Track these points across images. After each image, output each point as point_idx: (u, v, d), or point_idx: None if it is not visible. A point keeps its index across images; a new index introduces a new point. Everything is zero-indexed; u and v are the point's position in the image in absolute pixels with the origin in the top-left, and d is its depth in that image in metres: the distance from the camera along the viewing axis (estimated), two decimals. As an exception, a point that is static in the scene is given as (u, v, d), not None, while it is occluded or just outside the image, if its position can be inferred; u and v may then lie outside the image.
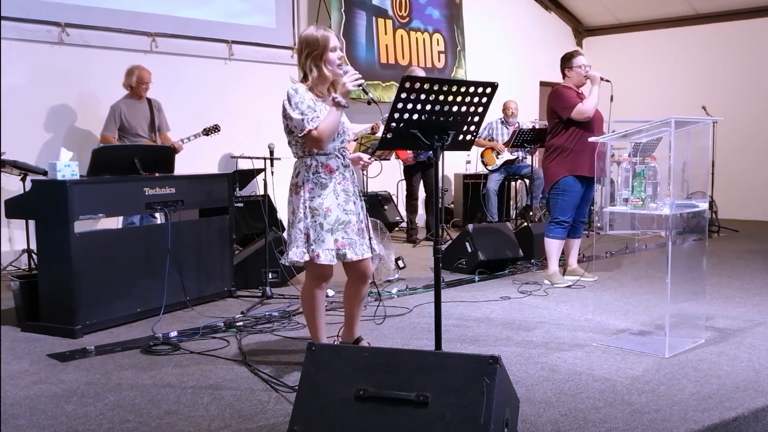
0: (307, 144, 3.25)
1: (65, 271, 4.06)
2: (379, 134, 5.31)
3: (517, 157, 8.48)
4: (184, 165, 5.84)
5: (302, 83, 3.28)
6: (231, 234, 5.17)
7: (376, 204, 8.42)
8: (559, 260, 5.86)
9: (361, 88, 3.26)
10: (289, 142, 3.35)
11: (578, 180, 5.35)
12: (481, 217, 8.59)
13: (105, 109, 6.19)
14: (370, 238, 3.41)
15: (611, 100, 5.43)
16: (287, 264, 3.39)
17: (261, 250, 5.28)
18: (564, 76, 5.54)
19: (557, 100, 5.41)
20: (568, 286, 5.41)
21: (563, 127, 5.38)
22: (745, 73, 10.43)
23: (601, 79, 5.39)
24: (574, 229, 5.63)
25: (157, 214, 5.35)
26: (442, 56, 9.61)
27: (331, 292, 4.96)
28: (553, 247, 5.52)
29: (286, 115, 3.23)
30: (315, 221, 3.24)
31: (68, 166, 4.21)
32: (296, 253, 3.27)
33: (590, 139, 4.34)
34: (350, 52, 8.44)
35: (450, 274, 5.92)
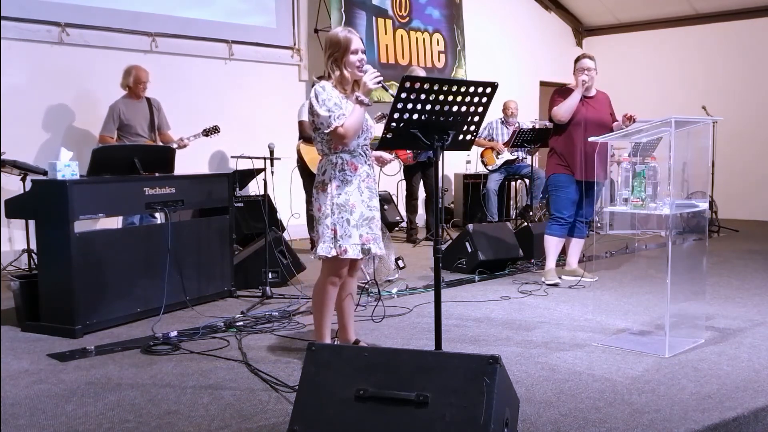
0: (333, 141, 3.32)
1: (65, 271, 4.06)
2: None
3: (517, 157, 8.48)
4: (184, 165, 5.84)
5: (327, 81, 3.36)
6: (231, 234, 5.17)
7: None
8: (560, 259, 5.86)
9: (381, 85, 3.32)
10: (314, 140, 3.42)
11: (570, 177, 5.41)
12: (481, 217, 8.59)
13: (105, 109, 6.18)
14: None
15: (595, 111, 5.47)
16: (315, 258, 3.45)
17: (261, 250, 5.28)
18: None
19: (549, 102, 5.63)
20: (570, 287, 5.41)
21: (554, 128, 5.60)
22: (745, 73, 10.42)
23: (584, 83, 5.42)
24: (576, 229, 5.65)
25: (156, 214, 5.35)
26: (442, 56, 9.61)
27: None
28: (550, 244, 5.58)
29: (313, 112, 3.30)
30: (341, 217, 3.33)
31: (68, 166, 4.21)
32: (323, 248, 3.35)
33: (590, 139, 4.34)
34: (350, 52, 8.42)
35: (450, 274, 5.92)
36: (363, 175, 3.39)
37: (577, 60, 5.57)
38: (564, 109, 5.38)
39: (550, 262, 5.60)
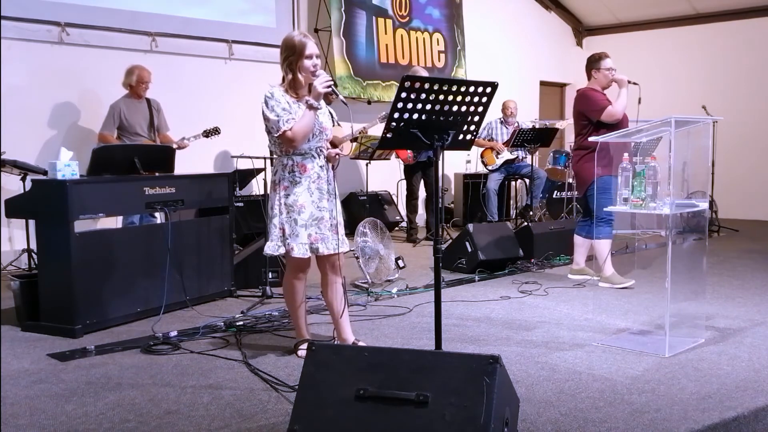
0: (282, 144, 3.43)
1: (65, 270, 4.06)
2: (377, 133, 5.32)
3: (517, 157, 8.48)
4: (184, 165, 5.84)
5: (280, 86, 3.46)
6: (231, 233, 5.17)
7: (376, 204, 8.42)
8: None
9: (331, 90, 3.40)
10: (270, 142, 3.53)
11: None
12: (481, 217, 8.59)
13: (105, 109, 6.18)
14: (343, 234, 3.61)
15: (639, 102, 5.35)
16: (266, 255, 3.64)
17: (261, 249, 5.24)
18: (590, 77, 5.46)
19: (586, 103, 5.34)
20: (631, 285, 5.29)
21: (593, 129, 5.28)
22: (745, 73, 10.42)
23: (629, 81, 5.30)
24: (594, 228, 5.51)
25: (156, 214, 5.35)
26: (442, 56, 9.61)
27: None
28: (605, 248, 5.28)
29: (264, 117, 3.42)
30: (290, 217, 3.45)
31: (68, 166, 4.21)
32: (270, 247, 3.52)
33: (590, 139, 4.34)
34: (350, 51, 8.44)
35: (450, 274, 5.91)
36: (314, 176, 3.48)
37: (598, 59, 5.39)
38: (622, 108, 5.20)
39: (608, 266, 5.33)
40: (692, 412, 2.90)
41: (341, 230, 3.58)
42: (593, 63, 5.45)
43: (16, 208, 4.32)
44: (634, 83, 5.35)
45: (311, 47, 3.39)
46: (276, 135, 3.38)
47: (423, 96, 2.87)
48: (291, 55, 3.39)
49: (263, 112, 3.40)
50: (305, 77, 3.40)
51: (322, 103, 3.56)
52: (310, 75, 3.39)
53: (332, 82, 3.38)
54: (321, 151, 3.53)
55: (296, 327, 3.73)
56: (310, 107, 3.36)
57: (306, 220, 3.44)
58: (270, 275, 5.15)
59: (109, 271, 4.28)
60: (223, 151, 7.58)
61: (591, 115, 5.30)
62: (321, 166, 3.51)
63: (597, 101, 5.29)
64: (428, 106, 2.91)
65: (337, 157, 3.58)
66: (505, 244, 6.22)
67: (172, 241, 4.54)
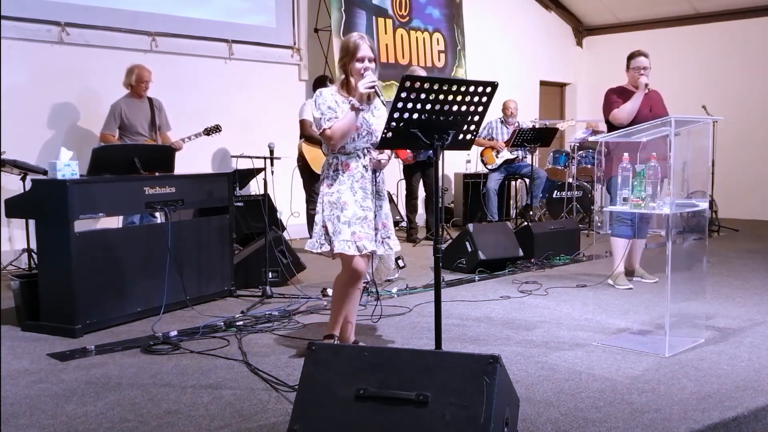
0: (326, 142, 3.49)
1: (65, 270, 4.06)
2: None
3: (517, 157, 8.48)
4: (184, 164, 5.84)
5: (334, 84, 3.54)
6: (231, 233, 5.17)
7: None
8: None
9: (374, 90, 3.40)
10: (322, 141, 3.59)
11: None
12: (481, 217, 8.59)
13: (105, 109, 6.18)
14: (387, 237, 3.60)
15: (650, 111, 5.24)
16: (307, 251, 3.60)
17: (261, 249, 5.28)
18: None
19: (604, 101, 5.40)
20: (630, 288, 5.26)
21: (610, 128, 5.21)
22: (745, 73, 10.42)
23: (646, 86, 5.21)
24: (640, 229, 5.36)
25: (156, 214, 5.35)
26: (442, 56, 9.60)
27: (329, 290, 4.95)
28: (619, 246, 5.18)
29: (313, 117, 3.50)
30: (332, 214, 3.45)
31: (68, 166, 4.21)
32: (310, 243, 3.54)
33: (590, 138, 4.35)
34: (350, 51, 8.42)
35: (450, 274, 5.92)
36: (357, 176, 3.48)
37: (631, 57, 5.32)
38: (627, 113, 5.14)
39: (620, 265, 5.24)
40: (692, 412, 2.90)
41: (384, 233, 3.56)
42: (628, 60, 5.38)
43: (16, 208, 4.32)
44: (645, 84, 5.23)
45: (364, 50, 3.39)
46: (318, 133, 3.47)
47: (423, 96, 2.87)
48: (345, 56, 3.44)
49: (312, 112, 3.47)
50: (356, 79, 3.41)
51: (379, 104, 3.55)
52: (359, 77, 3.39)
53: (375, 83, 3.38)
54: (368, 151, 3.52)
55: (333, 321, 3.64)
56: (352, 108, 3.37)
57: (349, 217, 3.42)
58: (270, 275, 5.15)
59: (109, 271, 4.28)
60: (223, 150, 7.58)
61: (604, 115, 5.39)
62: (365, 166, 3.50)
63: (609, 102, 5.31)
64: (428, 106, 2.91)
65: (382, 163, 3.57)
66: (505, 244, 6.22)
67: (172, 241, 4.54)
